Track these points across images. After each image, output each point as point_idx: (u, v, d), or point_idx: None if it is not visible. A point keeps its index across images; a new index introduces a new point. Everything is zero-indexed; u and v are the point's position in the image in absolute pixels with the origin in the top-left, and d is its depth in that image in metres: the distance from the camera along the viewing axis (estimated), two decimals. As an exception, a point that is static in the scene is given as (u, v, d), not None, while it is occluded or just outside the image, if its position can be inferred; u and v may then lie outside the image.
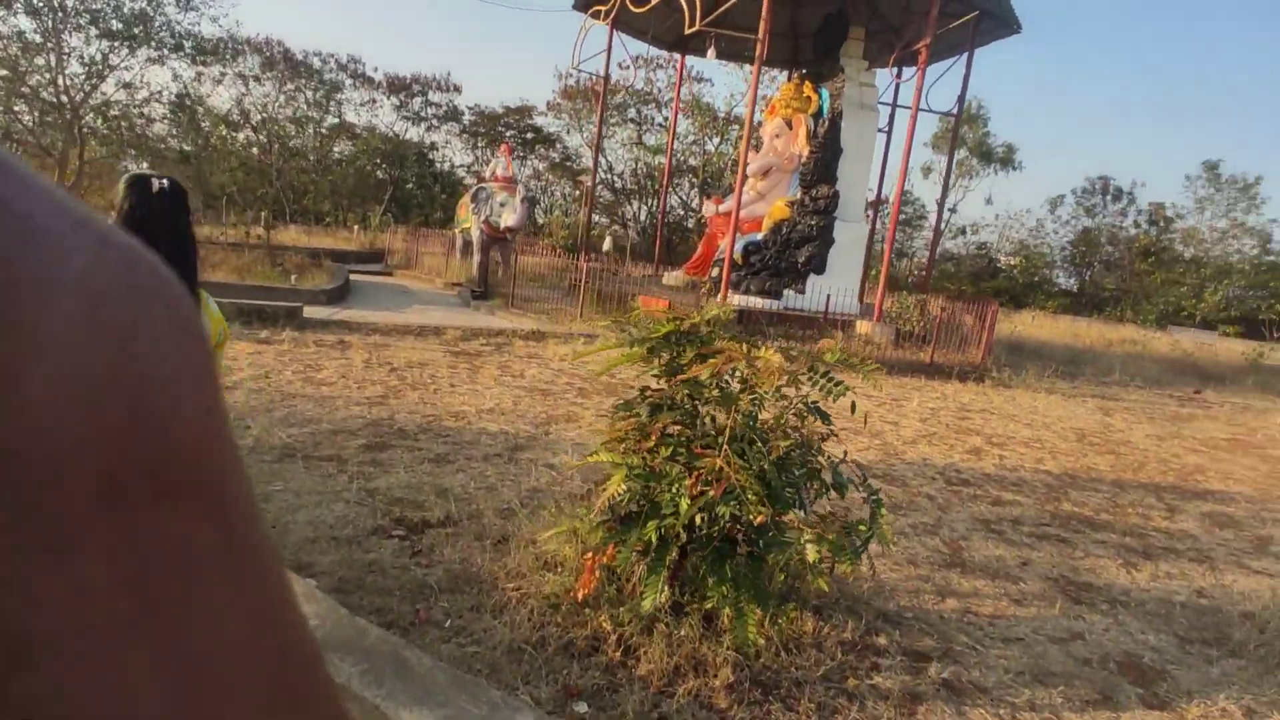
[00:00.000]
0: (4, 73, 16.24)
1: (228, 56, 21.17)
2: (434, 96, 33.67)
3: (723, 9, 11.12)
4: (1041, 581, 4.14)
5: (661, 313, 3.22)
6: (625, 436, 3.32)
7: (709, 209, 15.06)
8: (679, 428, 3.13)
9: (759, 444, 3.04)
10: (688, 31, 11.47)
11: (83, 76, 16.82)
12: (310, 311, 10.20)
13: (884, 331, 12.11)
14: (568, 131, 35.64)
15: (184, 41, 17.08)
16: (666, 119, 34.41)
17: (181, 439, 0.21)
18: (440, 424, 5.97)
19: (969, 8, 12.41)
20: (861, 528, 2.97)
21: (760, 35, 11.04)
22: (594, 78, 33.15)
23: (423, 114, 34.12)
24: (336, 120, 32.73)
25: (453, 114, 34.96)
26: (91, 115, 17.70)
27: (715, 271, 14.39)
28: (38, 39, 16.23)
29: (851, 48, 13.88)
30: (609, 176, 36.48)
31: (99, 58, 16.62)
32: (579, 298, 12.13)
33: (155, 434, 0.21)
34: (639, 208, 37.01)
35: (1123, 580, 4.33)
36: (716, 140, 33.85)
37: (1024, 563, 4.41)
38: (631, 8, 12.18)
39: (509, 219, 16.77)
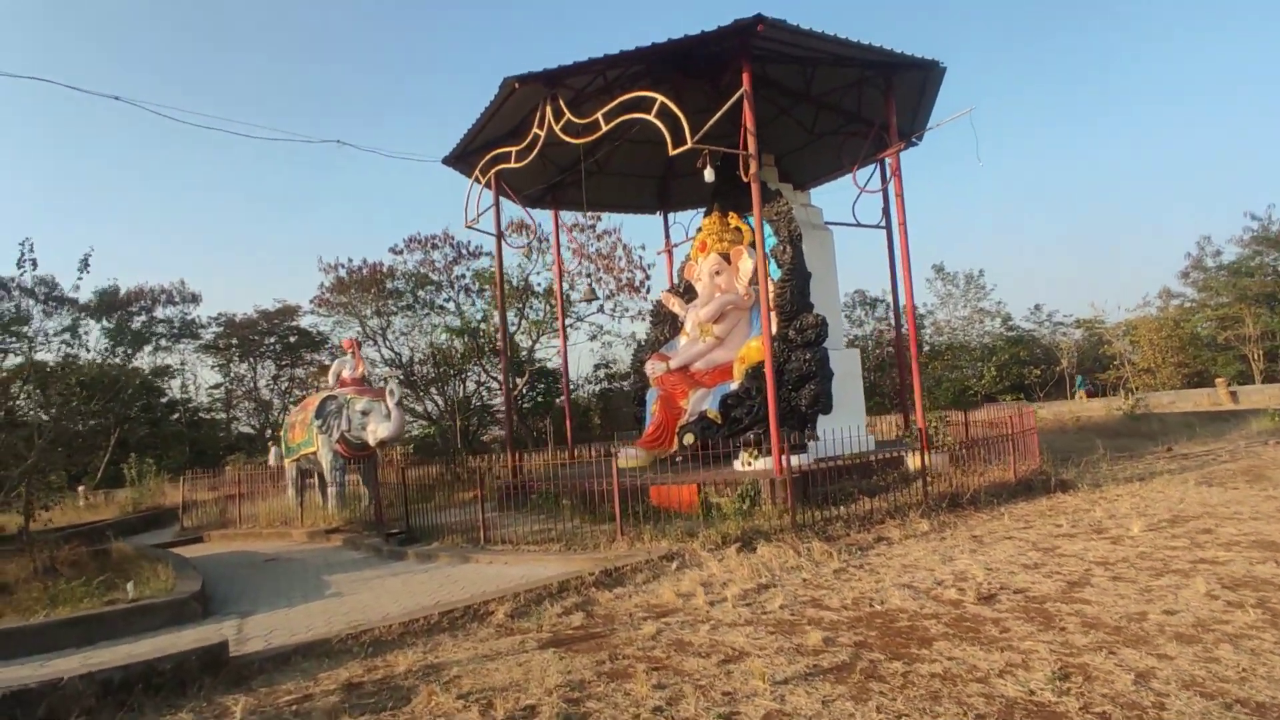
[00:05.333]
0: None
1: None
2: (161, 311, 27.31)
3: (712, 121, 9.40)
4: None
5: None
6: None
7: (655, 368, 12.63)
8: None
9: None
10: (674, 151, 9.47)
11: None
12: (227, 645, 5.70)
13: (942, 460, 10.43)
14: (339, 327, 31.01)
15: None
16: (448, 298, 31.66)
17: None
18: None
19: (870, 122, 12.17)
20: None
21: (751, 151, 9.41)
22: (369, 266, 29.73)
23: (147, 333, 27.43)
24: (21, 358, 24.90)
25: (187, 329, 28.64)
26: None
27: (688, 439, 11.81)
28: None
29: (768, 174, 12.99)
30: (394, 372, 32.10)
31: None
32: (612, 510, 8.77)
33: None
34: (438, 396, 32.86)
35: None
36: (513, 313, 31.62)
37: None
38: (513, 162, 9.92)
39: (382, 430, 12.65)
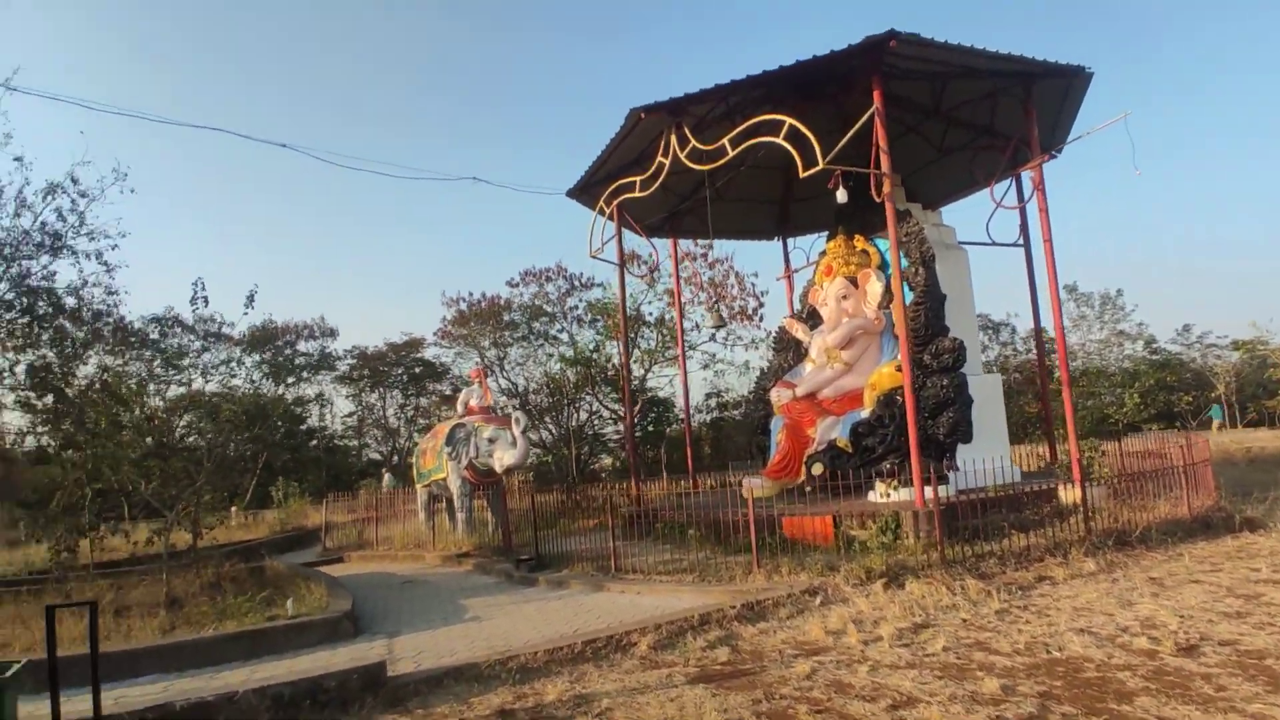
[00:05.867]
0: None
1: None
2: (303, 345, 29.51)
3: (844, 141, 9.24)
4: None
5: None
6: None
7: (780, 396, 12.33)
8: None
9: None
10: (805, 174, 9.34)
11: None
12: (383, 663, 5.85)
13: (1101, 493, 9.59)
14: (460, 358, 32.37)
15: (36, 300, 12.39)
16: (561, 329, 32.35)
17: None
18: None
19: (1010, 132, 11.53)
20: None
21: (885, 170, 9.13)
22: (488, 299, 30.87)
23: (290, 365, 29.60)
24: (183, 389, 27.42)
25: (325, 361, 30.74)
26: None
27: (817, 468, 11.42)
28: None
29: (896, 193, 12.51)
30: (511, 401, 33.09)
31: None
32: (744, 541, 8.58)
33: None
34: (552, 424, 33.55)
35: None
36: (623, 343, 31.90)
37: None
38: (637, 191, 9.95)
39: (508, 458, 13.00)
